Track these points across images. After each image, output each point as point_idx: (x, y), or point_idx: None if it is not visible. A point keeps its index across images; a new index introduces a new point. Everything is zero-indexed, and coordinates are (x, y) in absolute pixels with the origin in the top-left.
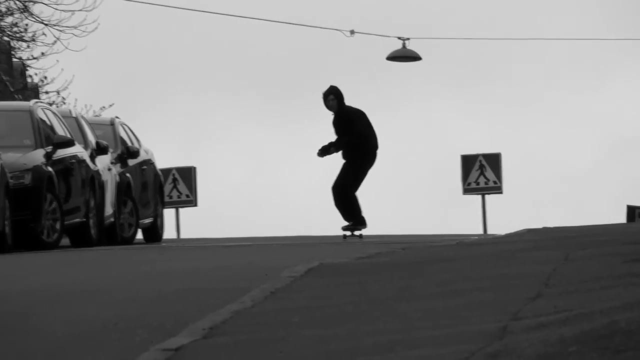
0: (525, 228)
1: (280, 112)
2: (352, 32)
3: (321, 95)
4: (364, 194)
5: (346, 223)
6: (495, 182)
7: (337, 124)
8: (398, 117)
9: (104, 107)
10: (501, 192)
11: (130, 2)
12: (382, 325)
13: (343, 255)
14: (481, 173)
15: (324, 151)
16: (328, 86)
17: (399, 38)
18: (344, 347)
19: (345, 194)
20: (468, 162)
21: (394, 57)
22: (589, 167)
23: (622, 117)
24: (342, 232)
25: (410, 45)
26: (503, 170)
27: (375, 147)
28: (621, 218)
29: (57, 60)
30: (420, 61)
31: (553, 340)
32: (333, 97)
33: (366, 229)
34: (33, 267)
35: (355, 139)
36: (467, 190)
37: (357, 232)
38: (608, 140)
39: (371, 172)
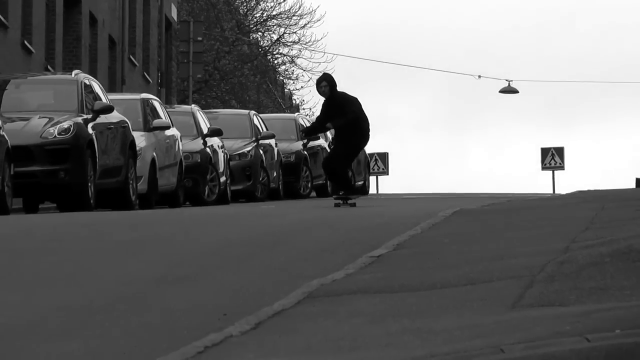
0: (577, 190)
1: (442, 121)
2: (479, 76)
3: (315, 83)
4: (489, 163)
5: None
6: (560, 163)
7: (330, 107)
8: (507, 127)
9: None
10: (564, 169)
11: (349, 57)
12: (495, 245)
13: (475, 204)
14: (552, 157)
15: (309, 132)
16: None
17: (506, 80)
18: (474, 256)
19: (335, 169)
20: (545, 151)
21: (503, 91)
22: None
23: None
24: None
25: (513, 84)
26: (565, 155)
27: (368, 129)
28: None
29: (310, 91)
30: (518, 93)
31: (595, 255)
32: (326, 83)
33: (358, 197)
34: (293, 209)
35: (352, 119)
36: (544, 168)
37: (350, 201)
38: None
39: (491, 156)
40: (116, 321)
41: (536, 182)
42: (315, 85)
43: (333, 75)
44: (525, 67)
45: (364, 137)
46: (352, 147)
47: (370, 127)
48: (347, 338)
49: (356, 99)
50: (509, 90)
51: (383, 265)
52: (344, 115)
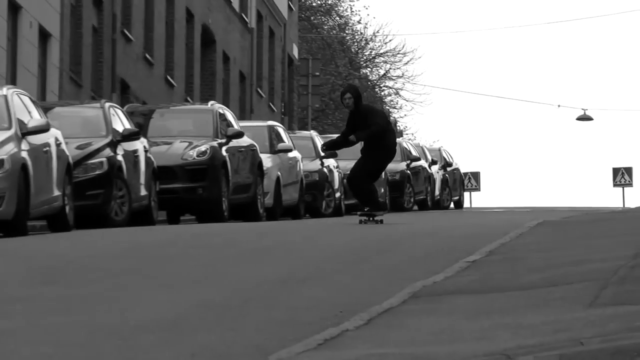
0: None
1: (525, 138)
2: (559, 105)
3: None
4: (567, 181)
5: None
6: (629, 181)
7: (355, 120)
8: (582, 150)
9: (435, 141)
10: (632, 186)
11: (445, 89)
12: (574, 251)
13: (556, 217)
14: (622, 176)
15: (330, 147)
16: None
17: (582, 109)
18: (556, 261)
19: (361, 186)
20: (616, 170)
21: (580, 118)
22: None
23: None
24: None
25: (588, 112)
26: (634, 174)
27: (394, 142)
28: None
29: (412, 118)
30: (593, 120)
31: None
32: (350, 95)
33: (386, 212)
34: (399, 220)
35: (376, 131)
36: (615, 184)
37: (376, 218)
38: None
39: (570, 174)
40: (248, 317)
41: (608, 197)
42: (340, 97)
43: (358, 87)
44: (600, 97)
45: (390, 151)
46: (377, 162)
47: (397, 141)
48: (447, 332)
49: (382, 111)
50: (585, 117)
51: (477, 269)
52: (370, 127)
